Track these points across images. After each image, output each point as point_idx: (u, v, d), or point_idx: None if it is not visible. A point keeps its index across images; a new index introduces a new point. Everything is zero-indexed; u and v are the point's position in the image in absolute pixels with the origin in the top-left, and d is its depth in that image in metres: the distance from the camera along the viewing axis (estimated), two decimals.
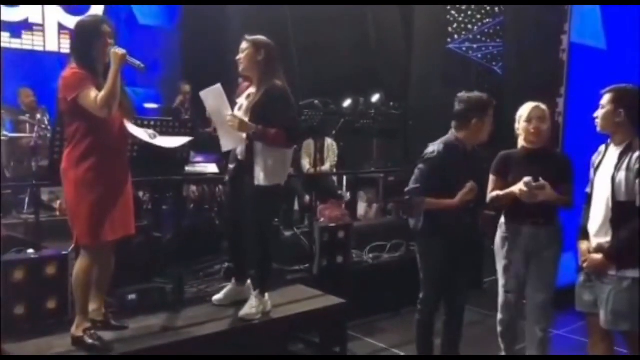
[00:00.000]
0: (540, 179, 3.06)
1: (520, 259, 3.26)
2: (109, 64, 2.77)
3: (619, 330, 2.83)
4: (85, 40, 2.83)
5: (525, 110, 3.25)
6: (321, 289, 3.92)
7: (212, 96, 3.27)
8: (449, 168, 3.14)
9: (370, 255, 4.91)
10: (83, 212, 2.79)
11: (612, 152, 2.85)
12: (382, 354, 3.93)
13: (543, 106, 3.24)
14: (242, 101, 3.37)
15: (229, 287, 3.55)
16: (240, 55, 3.32)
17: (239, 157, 3.37)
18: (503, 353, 3.45)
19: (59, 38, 7.36)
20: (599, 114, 2.87)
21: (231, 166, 3.46)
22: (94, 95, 2.71)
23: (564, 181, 3.17)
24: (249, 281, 3.56)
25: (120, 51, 2.77)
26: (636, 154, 2.72)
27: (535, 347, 3.27)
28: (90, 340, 2.84)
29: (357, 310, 4.05)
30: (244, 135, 3.24)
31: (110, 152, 2.86)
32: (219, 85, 3.27)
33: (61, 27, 7.37)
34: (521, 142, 3.30)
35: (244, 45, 3.32)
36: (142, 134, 3.08)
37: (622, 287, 2.73)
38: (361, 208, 6.48)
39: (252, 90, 3.36)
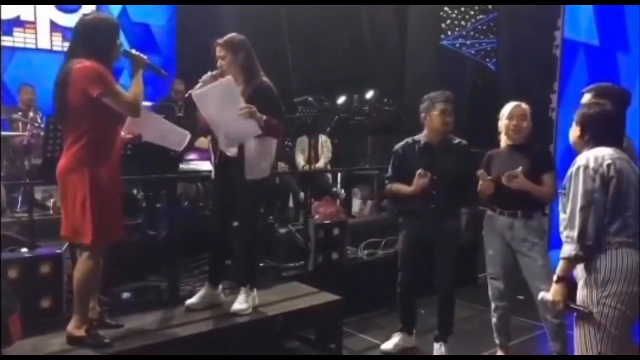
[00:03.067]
0: (520, 169, 3.29)
1: (501, 249, 3.46)
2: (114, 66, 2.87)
3: None
4: (108, 39, 2.82)
5: (507, 109, 3.49)
6: (316, 285, 3.92)
7: (221, 91, 3.14)
8: (408, 161, 3.64)
9: (365, 252, 4.92)
10: (99, 212, 2.72)
11: None
12: (377, 350, 3.93)
13: (524, 105, 3.49)
14: None
15: (202, 290, 3.49)
16: (221, 62, 3.28)
17: (227, 153, 3.35)
18: (498, 348, 3.48)
19: (51, 35, 7.32)
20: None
21: (217, 161, 3.43)
22: (125, 93, 2.75)
23: (545, 171, 3.37)
24: (220, 286, 3.55)
25: (143, 56, 2.90)
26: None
27: (551, 336, 3.42)
28: (91, 340, 2.82)
29: (353, 307, 4.06)
30: (257, 128, 3.16)
31: (110, 154, 2.83)
32: (229, 78, 3.16)
33: (53, 25, 7.32)
34: (503, 139, 3.53)
35: (220, 52, 3.28)
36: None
37: None
38: (356, 205, 6.49)
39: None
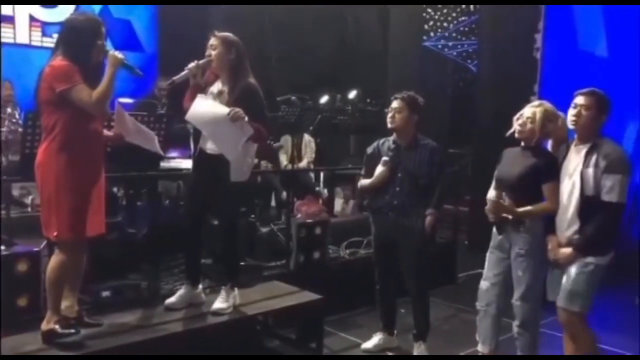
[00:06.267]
0: (505, 197, 3.19)
1: (493, 249, 3.39)
2: (98, 64, 2.87)
3: (571, 311, 3.02)
4: (87, 38, 2.84)
5: (525, 108, 3.29)
6: (298, 284, 3.92)
7: (200, 108, 3.22)
8: (376, 160, 3.75)
9: (347, 251, 4.93)
10: (64, 207, 2.76)
11: (578, 151, 3.05)
12: (358, 349, 3.95)
13: (537, 106, 3.23)
14: (213, 95, 3.35)
15: (182, 290, 3.47)
16: (211, 52, 3.31)
17: (208, 152, 3.35)
18: (479, 346, 3.49)
19: (30, 30, 7.20)
20: (577, 114, 3.02)
21: (196, 160, 3.45)
22: (88, 91, 2.76)
23: (545, 181, 3.15)
24: (200, 285, 3.54)
25: (120, 55, 2.88)
26: (602, 153, 2.94)
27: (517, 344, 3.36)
28: (62, 330, 2.82)
29: (334, 306, 4.07)
30: (249, 127, 3.20)
31: (87, 147, 2.86)
32: (199, 97, 3.26)
33: (32, 20, 7.20)
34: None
35: (214, 41, 3.31)
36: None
37: (584, 270, 2.97)
38: (338, 204, 6.49)
39: (220, 87, 3.36)
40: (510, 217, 3.21)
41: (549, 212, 3.16)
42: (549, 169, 3.16)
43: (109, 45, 2.96)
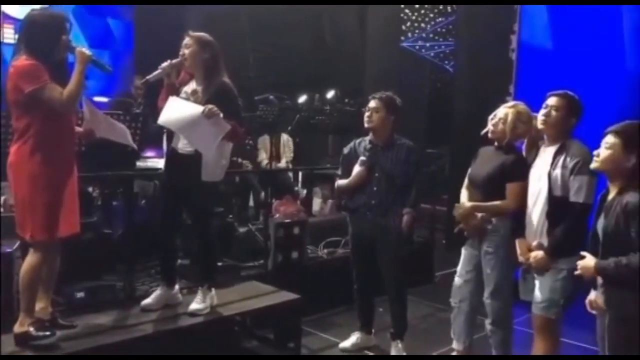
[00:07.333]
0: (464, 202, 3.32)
1: (468, 246, 3.43)
2: (62, 60, 2.83)
3: (546, 317, 3.03)
4: (51, 34, 2.78)
5: (499, 108, 3.34)
6: (276, 284, 3.91)
7: (173, 110, 3.19)
8: (353, 160, 3.78)
9: (325, 251, 4.94)
10: (38, 207, 2.72)
11: (546, 152, 3.08)
12: (336, 349, 3.95)
13: (511, 107, 3.28)
14: (187, 95, 3.33)
15: (157, 291, 3.44)
16: (185, 51, 3.29)
17: (180, 151, 3.32)
18: (454, 343, 3.52)
19: (2, 27, 7.05)
20: (547, 114, 3.04)
21: (168, 160, 3.43)
22: (59, 90, 2.71)
23: (510, 180, 3.19)
24: (177, 286, 3.51)
25: (87, 51, 2.83)
26: (570, 154, 2.96)
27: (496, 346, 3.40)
28: (36, 332, 2.77)
29: (312, 306, 4.07)
30: (225, 123, 3.18)
31: (60, 146, 2.82)
32: (170, 99, 3.23)
33: (5, 16, 7.06)
34: None
35: (188, 41, 3.30)
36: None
37: (558, 277, 2.97)
38: (316, 204, 6.49)
39: (194, 86, 3.34)
40: (475, 222, 3.28)
41: (503, 209, 3.20)
42: (514, 169, 3.20)
43: (81, 42, 2.89)
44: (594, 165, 2.59)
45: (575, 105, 3.04)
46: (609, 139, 2.53)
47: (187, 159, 3.27)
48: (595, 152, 2.59)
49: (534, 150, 3.19)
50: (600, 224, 2.54)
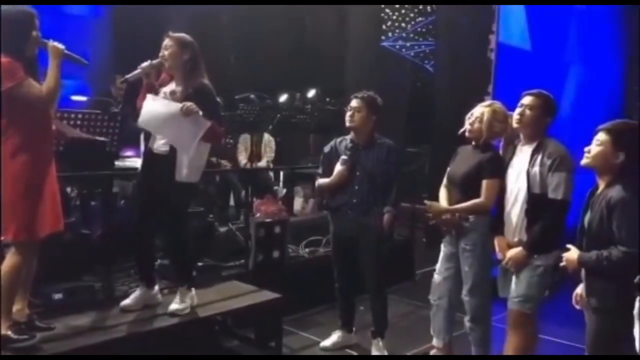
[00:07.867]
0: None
1: (446, 244, 3.47)
2: (33, 57, 2.78)
3: (522, 311, 3.07)
4: (21, 31, 2.73)
5: (476, 107, 3.38)
6: (257, 284, 3.91)
7: (151, 110, 3.18)
8: (334, 158, 3.79)
9: (306, 250, 4.94)
10: (20, 207, 2.69)
11: (523, 150, 3.13)
12: (317, 348, 3.96)
13: (487, 107, 3.32)
14: (166, 95, 3.32)
15: (137, 292, 3.43)
16: (164, 52, 3.28)
17: (155, 151, 3.31)
18: (434, 340, 3.55)
19: None
20: (521, 113, 3.08)
21: (144, 160, 3.41)
22: (38, 86, 2.68)
23: (484, 177, 3.24)
24: (156, 286, 3.49)
25: (60, 45, 2.80)
26: (547, 152, 3.00)
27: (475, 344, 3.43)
28: (16, 336, 2.73)
29: (293, 305, 4.06)
30: (204, 120, 3.17)
31: (40, 146, 2.78)
32: (149, 97, 3.23)
33: None
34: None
35: (168, 42, 3.28)
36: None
37: (535, 273, 3.03)
38: (298, 203, 6.49)
39: (174, 87, 3.32)
40: (449, 217, 3.32)
41: (480, 207, 3.24)
42: (490, 165, 3.24)
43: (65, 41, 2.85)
44: (584, 161, 2.64)
45: (550, 104, 3.09)
46: (600, 136, 2.59)
47: (161, 159, 3.25)
48: (586, 149, 2.64)
49: (511, 148, 3.23)
50: (587, 218, 2.61)
